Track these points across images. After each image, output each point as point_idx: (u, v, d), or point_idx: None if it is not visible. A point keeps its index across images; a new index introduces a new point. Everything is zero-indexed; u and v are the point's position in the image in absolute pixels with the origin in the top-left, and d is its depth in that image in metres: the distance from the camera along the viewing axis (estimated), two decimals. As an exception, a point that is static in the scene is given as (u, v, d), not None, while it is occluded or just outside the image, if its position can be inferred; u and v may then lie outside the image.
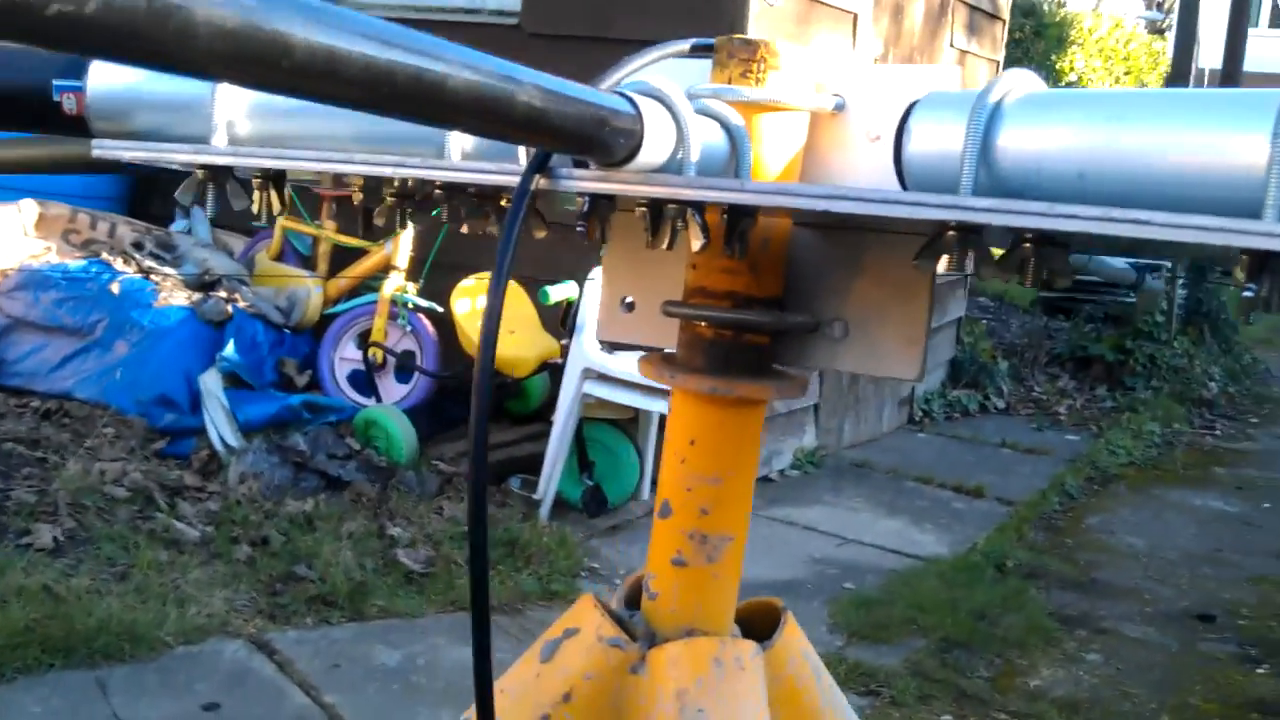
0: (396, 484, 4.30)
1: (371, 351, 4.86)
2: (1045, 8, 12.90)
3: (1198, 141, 0.62)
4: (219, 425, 4.32)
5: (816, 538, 4.57)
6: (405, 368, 4.91)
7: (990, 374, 7.30)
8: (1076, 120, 0.65)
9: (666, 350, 0.88)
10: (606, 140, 0.61)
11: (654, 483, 4.81)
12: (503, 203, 0.85)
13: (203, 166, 0.76)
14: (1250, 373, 9.00)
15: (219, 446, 4.24)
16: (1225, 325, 9.23)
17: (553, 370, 4.57)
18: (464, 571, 3.77)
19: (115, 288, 4.54)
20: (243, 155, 0.74)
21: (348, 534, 3.81)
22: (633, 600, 0.91)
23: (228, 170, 0.76)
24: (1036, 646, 3.80)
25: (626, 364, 4.20)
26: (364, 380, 4.93)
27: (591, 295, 4.26)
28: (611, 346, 4.36)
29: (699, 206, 0.66)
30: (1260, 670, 3.81)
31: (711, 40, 0.79)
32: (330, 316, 5.01)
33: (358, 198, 0.87)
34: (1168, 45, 17.85)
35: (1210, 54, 9.70)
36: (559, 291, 4.35)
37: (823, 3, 4.77)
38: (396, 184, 0.87)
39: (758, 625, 0.92)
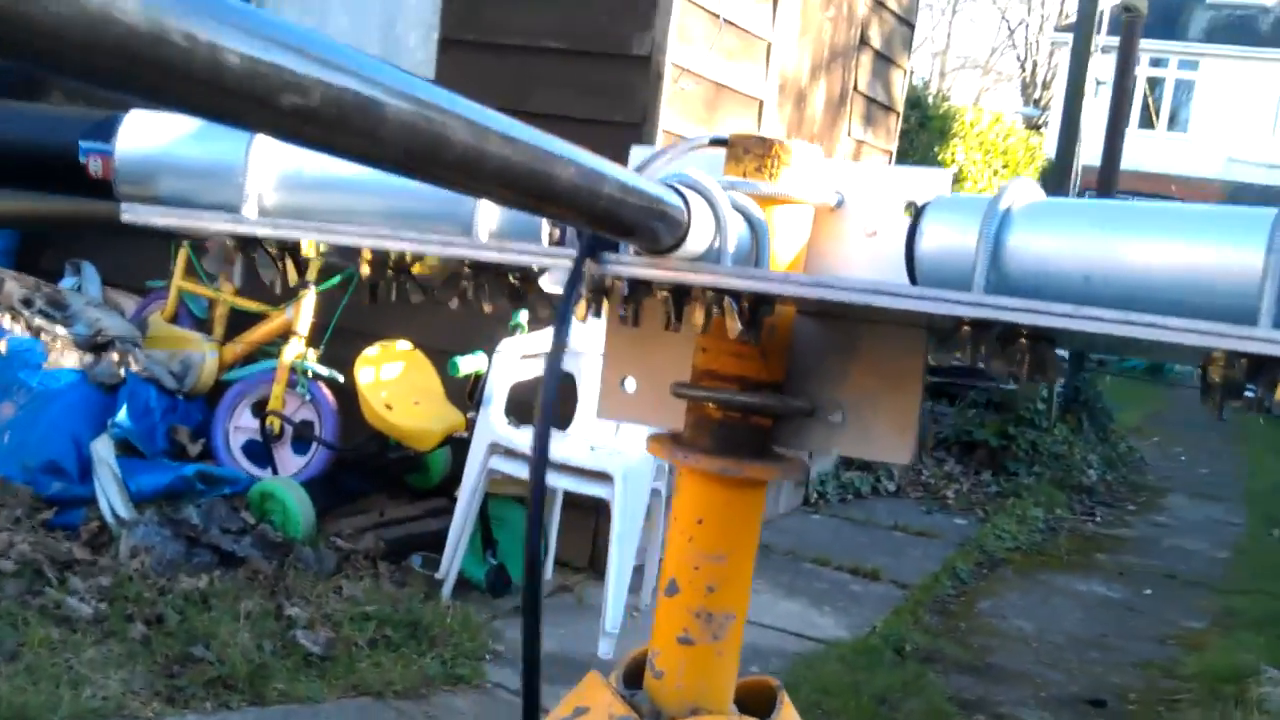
0: (294, 561, 4.18)
1: (269, 420, 4.74)
2: (930, 101, 13.46)
3: (1195, 252, 0.67)
4: (110, 495, 4.17)
5: (718, 618, 4.58)
6: (303, 438, 4.80)
7: (882, 457, 7.44)
8: (1081, 228, 0.71)
9: (670, 430, 0.90)
10: (657, 230, 0.65)
11: (558, 561, 4.78)
12: (510, 279, 0.88)
13: (235, 236, 0.76)
14: (1126, 460, 9.35)
15: (109, 518, 4.09)
16: (1101, 413, 9.59)
17: (456, 444, 4.51)
18: (364, 654, 3.67)
19: (2, 347, 4.39)
20: (284, 227, 0.75)
21: (245, 613, 3.69)
22: (631, 679, 0.92)
23: (256, 240, 0.77)
24: (936, 731, 3.86)
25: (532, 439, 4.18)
26: (260, 450, 4.80)
27: (500, 368, 4.24)
28: (519, 420, 4.33)
29: (736, 295, 0.70)
30: (1150, 756, 3.92)
31: (725, 136, 0.84)
32: (226, 383, 4.88)
33: (365, 271, 0.89)
34: (1044, 141, 18.75)
35: (1085, 151, 10.24)
36: (468, 363, 4.31)
37: (731, 89, 4.92)
38: (394, 257, 0.89)
39: (752, 704, 0.94)
